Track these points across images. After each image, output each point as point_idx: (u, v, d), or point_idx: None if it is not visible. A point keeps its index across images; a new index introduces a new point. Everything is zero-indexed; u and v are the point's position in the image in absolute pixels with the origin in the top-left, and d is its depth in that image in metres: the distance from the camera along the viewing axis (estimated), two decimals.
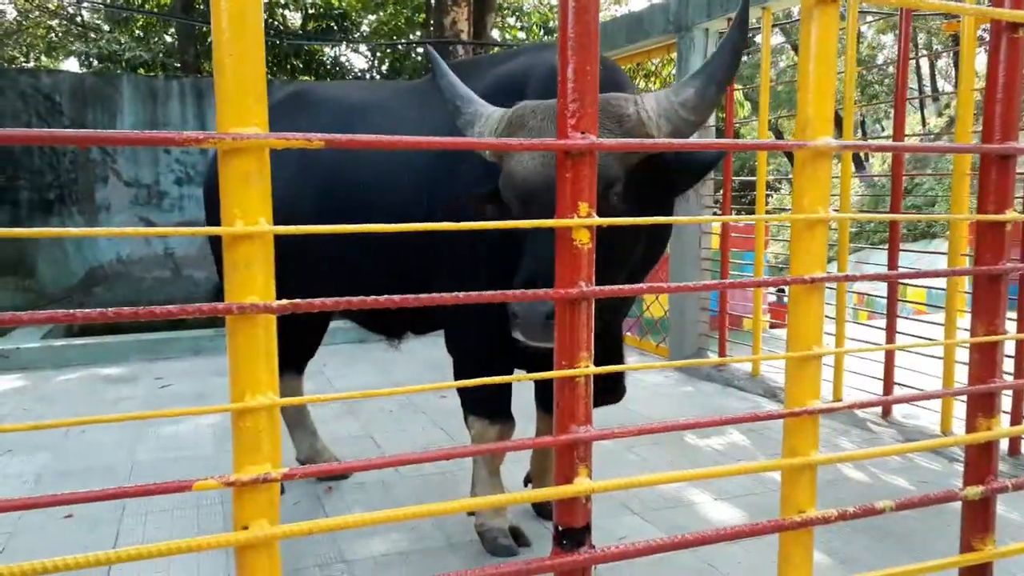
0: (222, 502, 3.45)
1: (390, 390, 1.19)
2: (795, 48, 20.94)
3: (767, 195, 6.10)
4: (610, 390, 2.95)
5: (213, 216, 3.46)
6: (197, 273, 9.64)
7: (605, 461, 3.92)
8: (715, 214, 6.33)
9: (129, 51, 15.32)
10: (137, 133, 0.99)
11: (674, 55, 6.44)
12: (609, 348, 2.73)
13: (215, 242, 3.36)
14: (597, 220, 1.19)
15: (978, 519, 1.62)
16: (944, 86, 27.01)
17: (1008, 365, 3.60)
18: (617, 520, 3.26)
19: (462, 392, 2.94)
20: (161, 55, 15.93)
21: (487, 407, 2.89)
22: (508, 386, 2.92)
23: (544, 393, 3.23)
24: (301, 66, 15.59)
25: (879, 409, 4.73)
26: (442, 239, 2.71)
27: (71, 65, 19.97)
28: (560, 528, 1.27)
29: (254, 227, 1.02)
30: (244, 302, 1.02)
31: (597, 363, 1.23)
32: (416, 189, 2.80)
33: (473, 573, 1.20)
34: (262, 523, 1.07)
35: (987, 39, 1.58)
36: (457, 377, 2.93)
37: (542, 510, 3.30)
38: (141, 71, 14.76)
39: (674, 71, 6.63)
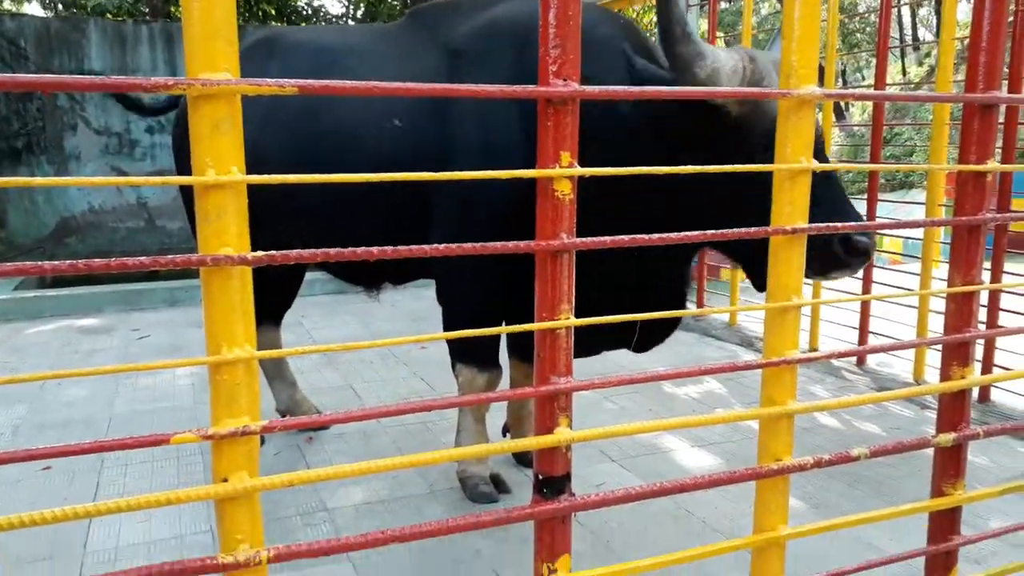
0: (202, 452, 3.46)
1: (370, 342, 1.18)
2: None
3: None
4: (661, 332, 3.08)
5: (182, 165, 3.39)
6: (171, 223, 9.50)
7: (584, 410, 3.96)
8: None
9: None
10: (103, 79, 0.95)
11: (654, 1, 6.35)
12: (674, 293, 2.83)
13: (186, 192, 3.30)
14: (579, 170, 1.17)
15: (949, 465, 1.66)
16: (925, 35, 26.91)
17: (980, 314, 3.66)
18: (596, 467, 3.31)
19: (452, 340, 2.96)
20: (128, 1, 15.41)
21: (477, 355, 2.90)
22: (498, 335, 2.93)
23: (518, 341, 3.23)
24: (273, 12, 15.17)
25: (854, 357, 4.80)
26: (444, 187, 2.67)
27: (34, 10, 19.28)
28: (540, 477, 1.28)
29: (226, 176, 0.99)
30: (218, 254, 1.00)
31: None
32: (400, 134, 2.75)
33: (455, 521, 1.20)
34: (242, 475, 1.07)
35: None
36: (447, 326, 2.93)
37: (522, 458, 3.33)
38: (109, 17, 14.30)
39: (655, 18, 6.53)
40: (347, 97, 2.79)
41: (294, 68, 3.06)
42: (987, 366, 4.01)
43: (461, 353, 2.93)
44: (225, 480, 1.06)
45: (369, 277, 3.31)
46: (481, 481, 3.03)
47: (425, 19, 3.01)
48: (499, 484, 3.07)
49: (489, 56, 2.68)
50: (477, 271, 2.74)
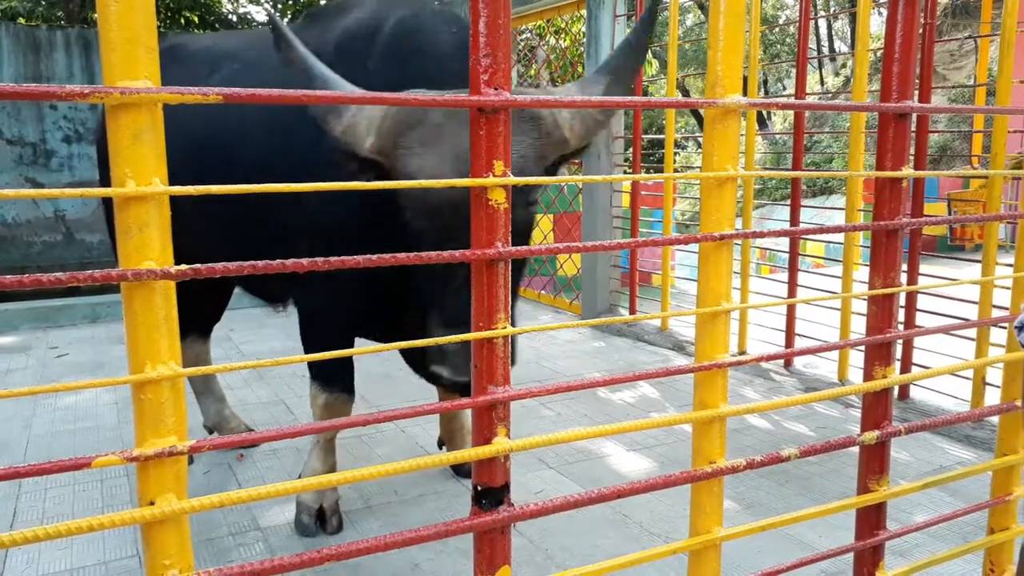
0: (127, 474, 3.33)
1: (301, 356, 1.15)
2: (702, 7, 21.22)
3: (674, 153, 6.22)
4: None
5: (106, 175, 3.25)
6: (91, 236, 9.15)
7: (520, 417, 3.96)
8: (626, 172, 6.40)
9: (5, 1, 14.21)
10: (14, 86, 0.91)
11: (584, 11, 6.43)
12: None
13: (107, 204, 3.15)
14: (513, 180, 1.17)
15: (874, 461, 1.71)
16: (840, 46, 27.95)
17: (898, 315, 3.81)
18: (534, 475, 3.31)
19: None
20: (43, 4, 14.84)
21: (323, 374, 2.76)
22: (349, 357, 2.73)
23: (414, 359, 2.80)
24: (196, 19, 14.82)
25: (781, 359, 4.93)
26: (295, 201, 2.45)
27: None
28: (479, 488, 1.27)
29: (148, 188, 0.96)
30: (140, 268, 0.96)
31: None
32: (273, 145, 2.58)
33: (392, 537, 1.19)
34: (169, 498, 1.03)
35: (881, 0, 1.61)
36: (305, 345, 2.75)
37: (459, 469, 3.31)
38: (21, 21, 13.73)
39: (584, 28, 6.62)
40: (248, 108, 2.61)
41: (196, 77, 2.86)
42: (906, 364, 4.17)
43: (311, 370, 2.80)
44: (151, 503, 1.02)
45: (273, 292, 3.14)
46: (305, 511, 2.84)
47: (319, 20, 2.79)
48: (325, 520, 2.85)
49: (340, 65, 2.52)
50: (335, 286, 2.57)
